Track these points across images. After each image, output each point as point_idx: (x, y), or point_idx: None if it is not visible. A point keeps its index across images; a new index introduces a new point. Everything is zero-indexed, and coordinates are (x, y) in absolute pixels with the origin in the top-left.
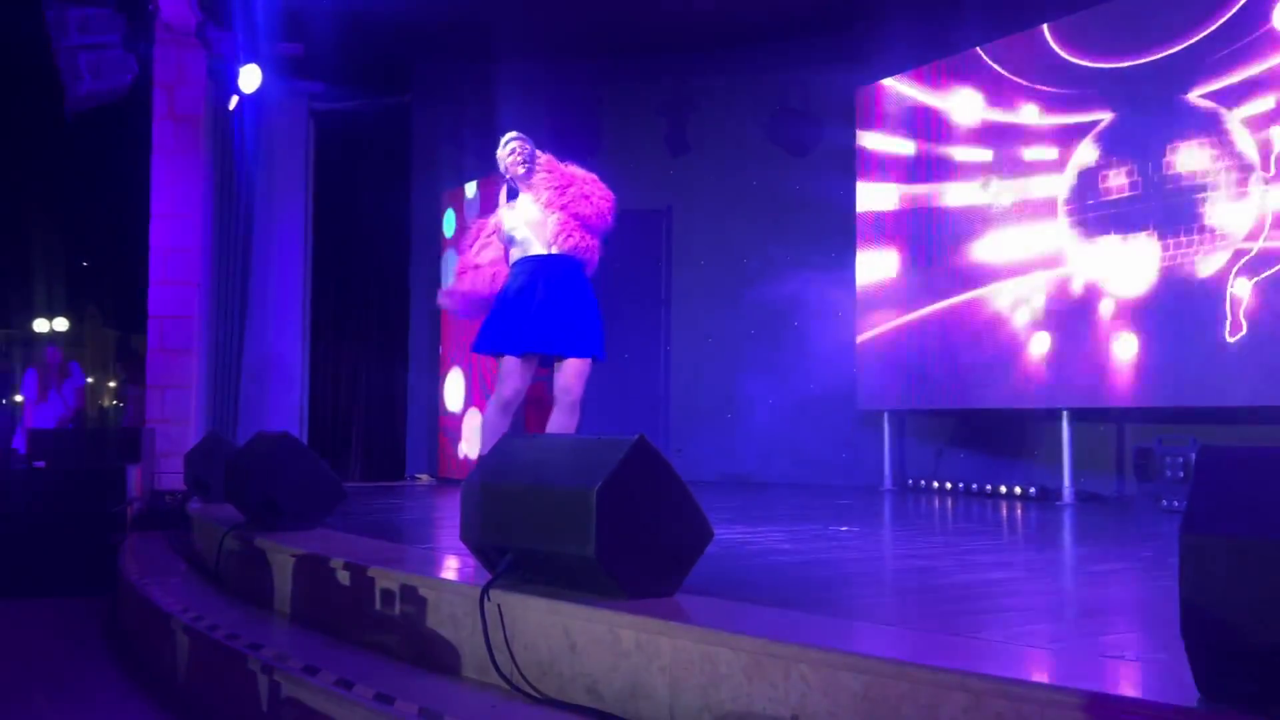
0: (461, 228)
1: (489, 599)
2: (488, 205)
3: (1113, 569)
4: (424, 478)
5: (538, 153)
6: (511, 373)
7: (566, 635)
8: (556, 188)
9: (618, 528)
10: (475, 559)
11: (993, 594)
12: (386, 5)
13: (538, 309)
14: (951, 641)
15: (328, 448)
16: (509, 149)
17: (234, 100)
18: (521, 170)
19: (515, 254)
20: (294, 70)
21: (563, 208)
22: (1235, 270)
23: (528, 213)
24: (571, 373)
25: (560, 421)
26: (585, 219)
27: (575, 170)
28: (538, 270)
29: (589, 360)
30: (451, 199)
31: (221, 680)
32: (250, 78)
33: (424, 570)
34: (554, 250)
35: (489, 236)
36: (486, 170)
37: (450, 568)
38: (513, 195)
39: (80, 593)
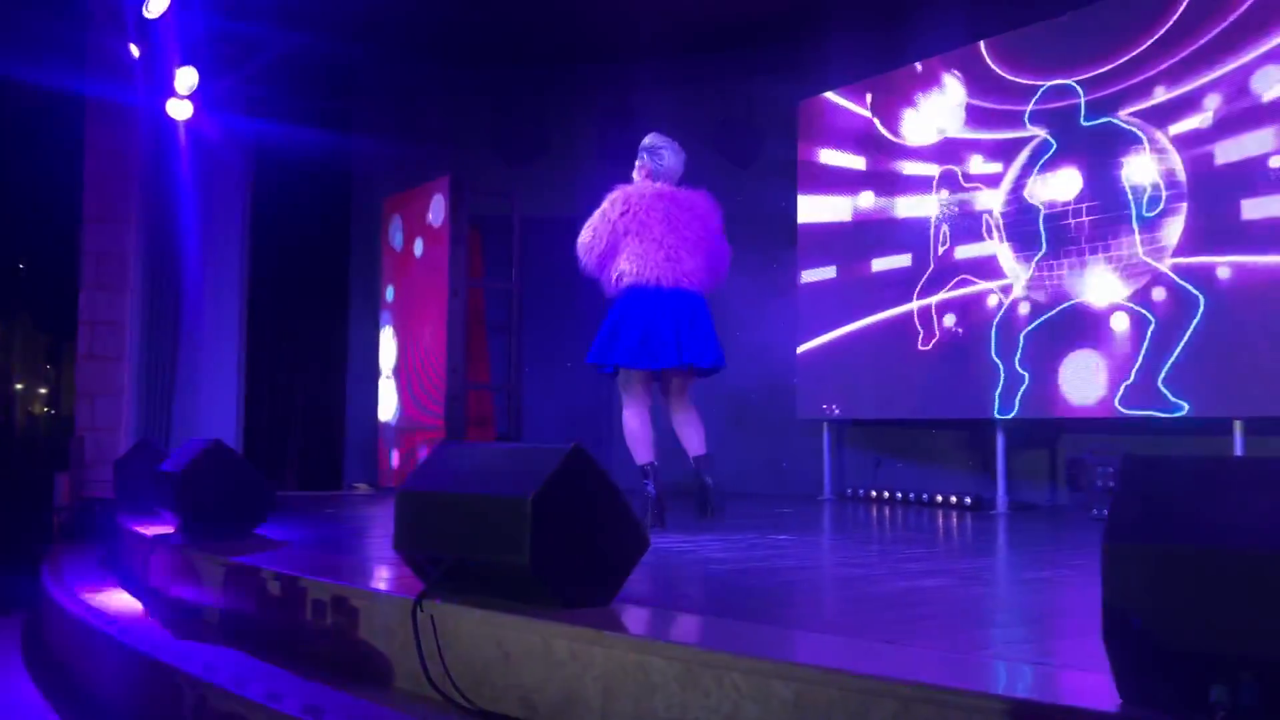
0: (416, 233)
1: (422, 609)
2: (415, 216)
3: (1042, 577)
4: (362, 486)
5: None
6: None
7: (500, 646)
8: None
9: (553, 537)
10: (409, 569)
11: (926, 601)
12: (327, 4)
13: None
14: (882, 649)
15: (264, 456)
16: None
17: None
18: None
19: None
20: (232, 72)
21: None
22: (1161, 285)
23: None
24: None
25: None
26: None
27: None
28: None
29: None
30: (393, 205)
31: (147, 694)
32: (186, 78)
33: (356, 580)
34: None
35: None
36: (428, 175)
37: (383, 578)
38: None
39: (1, 606)
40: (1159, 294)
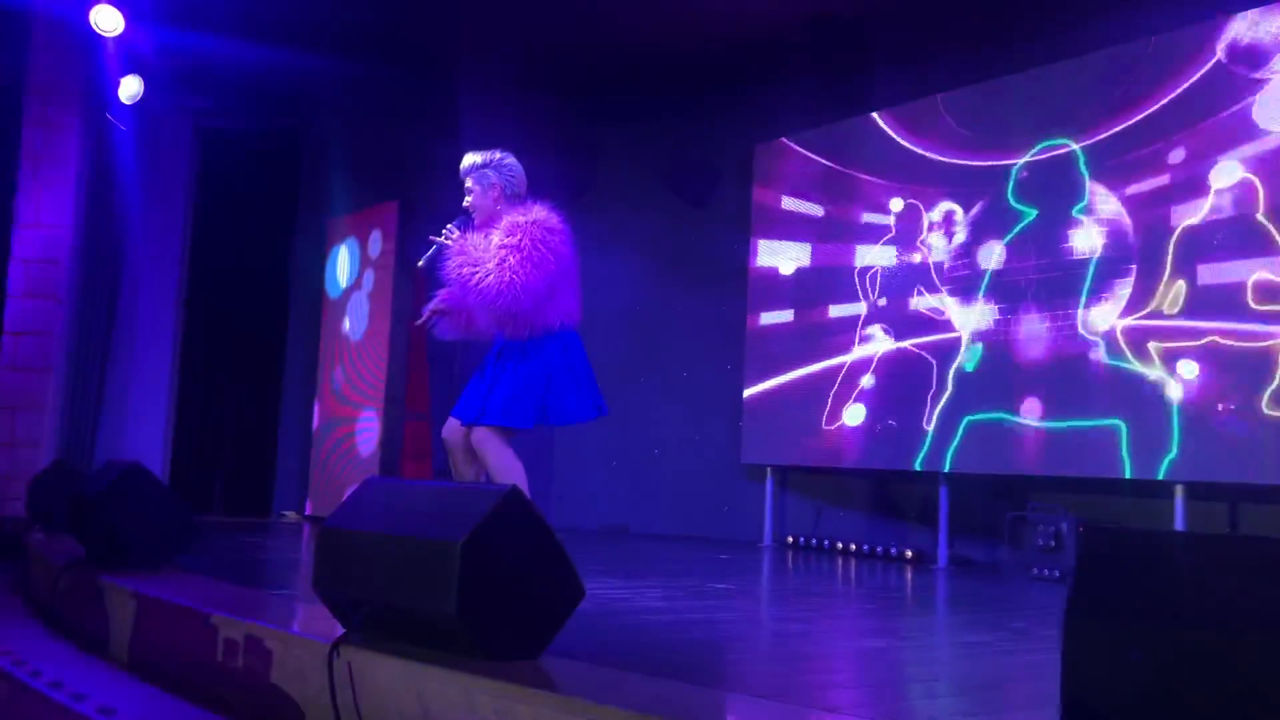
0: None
1: (339, 655)
2: (360, 239)
3: (984, 640)
4: (291, 515)
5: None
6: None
7: (420, 699)
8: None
9: (482, 584)
10: (328, 610)
11: (865, 664)
12: (282, 21)
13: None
14: (819, 717)
15: (191, 481)
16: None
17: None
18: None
19: None
20: (180, 84)
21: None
22: (1103, 348)
23: None
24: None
25: None
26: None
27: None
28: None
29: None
30: (339, 226)
31: None
32: (130, 88)
33: (272, 620)
34: None
35: None
36: (379, 196)
37: (300, 619)
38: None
39: None
40: (1100, 355)
